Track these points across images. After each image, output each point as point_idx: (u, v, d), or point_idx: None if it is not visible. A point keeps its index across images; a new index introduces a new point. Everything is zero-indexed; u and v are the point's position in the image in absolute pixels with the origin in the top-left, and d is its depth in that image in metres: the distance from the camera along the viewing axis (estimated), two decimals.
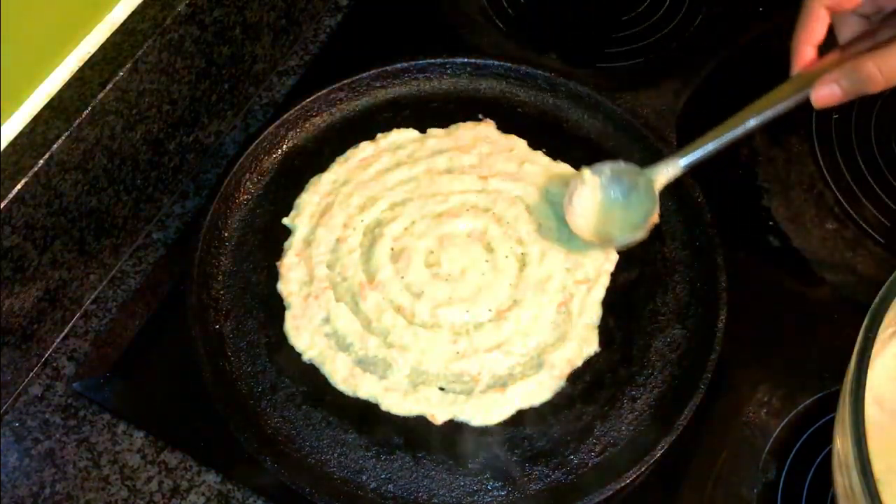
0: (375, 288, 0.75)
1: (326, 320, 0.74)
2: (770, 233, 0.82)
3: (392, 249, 0.77)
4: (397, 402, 0.70)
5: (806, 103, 0.66)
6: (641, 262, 0.78)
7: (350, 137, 0.85)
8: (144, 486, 0.71)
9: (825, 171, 0.85)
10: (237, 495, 0.71)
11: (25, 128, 0.72)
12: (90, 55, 0.76)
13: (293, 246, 0.79)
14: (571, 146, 0.84)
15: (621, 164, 0.76)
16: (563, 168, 0.82)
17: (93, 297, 0.81)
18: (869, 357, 0.55)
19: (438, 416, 0.70)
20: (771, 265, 0.81)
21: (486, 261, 0.76)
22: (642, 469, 0.66)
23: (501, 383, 0.71)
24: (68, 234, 0.75)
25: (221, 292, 0.77)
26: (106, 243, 0.80)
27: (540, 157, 0.83)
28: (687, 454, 0.70)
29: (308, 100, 0.85)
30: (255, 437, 0.69)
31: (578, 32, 0.97)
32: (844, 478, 0.54)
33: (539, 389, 0.71)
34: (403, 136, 0.85)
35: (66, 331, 0.79)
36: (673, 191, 0.80)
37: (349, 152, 0.84)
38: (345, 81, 0.87)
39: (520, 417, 0.70)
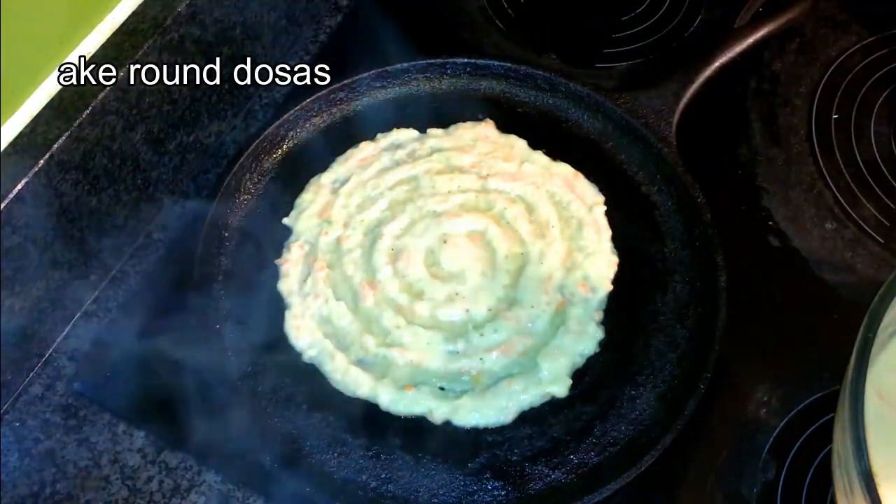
0: (375, 287, 0.75)
1: (326, 320, 0.74)
2: (770, 233, 0.82)
3: (392, 249, 0.77)
4: (397, 401, 0.70)
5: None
6: (641, 262, 0.78)
7: (350, 137, 0.85)
8: (145, 485, 0.71)
9: (825, 171, 0.85)
10: (237, 495, 0.71)
11: (25, 128, 0.72)
12: (90, 55, 0.76)
13: (293, 246, 0.79)
14: (571, 146, 0.84)
15: None
16: (563, 168, 0.82)
17: (93, 297, 0.81)
18: (868, 357, 0.55)
19: (438, 416, 0.70)
20: (771, 265, 0.80)
21: (486, 261, 0.76)
22: (642, 469, 0.66)
23: (501, 383, 0.71)
24: (68, 234, 0.75)
25: (221, 292, 0.77)
26: (106, 243, 0.80)
27: (540, 157, 0.83)
28: (687, 454, 0.70)
29: (308, 100, 0.85)
30: (256, 437, 0.69)
31: (578, 32, 0.97)
32: (844, 477, 0.54)
33: (539, 389, 0.71)
34: (403, 135, 0.85)
35: (66, 331, 0.79)
36: (673, 191, 0.80)
37: (349, 152, 0.84)
38: (345, 81, 0.87)
39: (520, 417, 0.70)
